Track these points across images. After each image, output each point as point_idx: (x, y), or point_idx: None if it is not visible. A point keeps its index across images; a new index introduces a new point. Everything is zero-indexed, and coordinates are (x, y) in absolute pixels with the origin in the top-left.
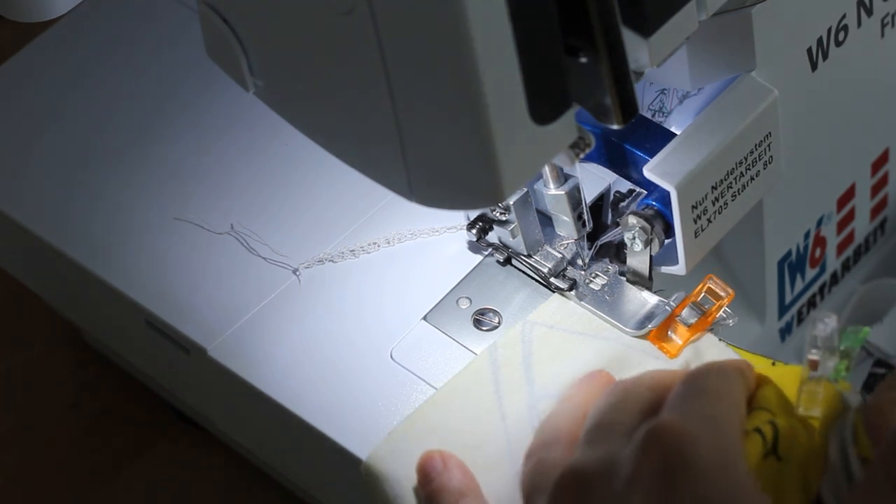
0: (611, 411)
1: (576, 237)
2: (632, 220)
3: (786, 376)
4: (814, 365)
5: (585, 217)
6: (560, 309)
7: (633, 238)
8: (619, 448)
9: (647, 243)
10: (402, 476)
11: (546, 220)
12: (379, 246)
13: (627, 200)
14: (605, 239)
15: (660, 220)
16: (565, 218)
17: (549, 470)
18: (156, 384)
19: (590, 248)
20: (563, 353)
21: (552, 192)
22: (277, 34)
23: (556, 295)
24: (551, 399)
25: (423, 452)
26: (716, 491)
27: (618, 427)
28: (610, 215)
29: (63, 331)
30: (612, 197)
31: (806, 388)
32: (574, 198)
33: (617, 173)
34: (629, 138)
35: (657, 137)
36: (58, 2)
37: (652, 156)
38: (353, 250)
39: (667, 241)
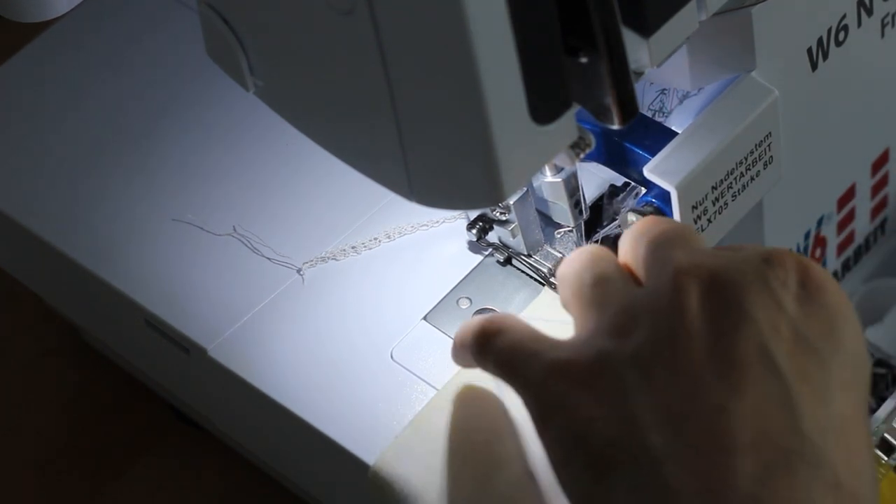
0: (675, 227)
1: (572, 225)
2: (631, 217)
3: None
4: (890, 449)
5: (583, 205)
6: (554, 302)
7: None
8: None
9: None
10: (412, 477)
11: (546, 219)
12: (380, 241)
13: (623, 195)
14: (602, 233)
15: None
16: (562, 205)
17: (606, 258)
18: (156, 384)
19: (587, 242)
20: None
21: (549, 180)
22: (277, 34)
23: (548, 288)
24: None
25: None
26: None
27: (686, 236)
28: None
29: (63, 331)
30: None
31: None
32: (570, 185)
33: (617, 172)
34: (629, 136)
35: (657, 135)
36: (58, 2)
37: (652, 154)
38: (354, 247)
39: None
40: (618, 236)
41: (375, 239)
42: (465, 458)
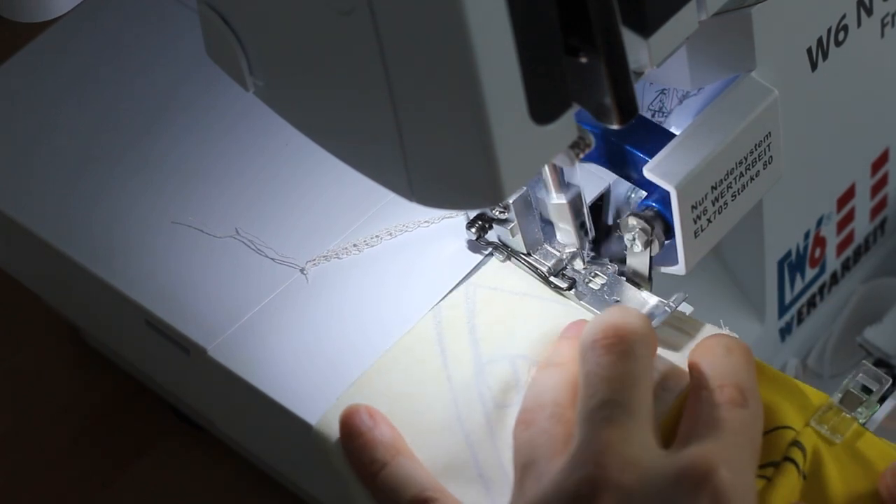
0: (619, 388)
1: (577, 247)
2: (632, 221)
3: (781, 386)
4: (856, 402)
5: (588, 226)
6: (501, 271)
7: (633, 239)
8: (634, 430)
9: (647, 244)
10: None
11: (546, 219)
12: (381, 239)
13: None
14: (607, 251)
15: (660, 221)
16: (567, 227)
17: (545, 441)
18: (156, 384)
19: (590, 254)
20: (507, 313)
21: (554, 202)
22: (277, 34)
23: (496, 258)
24: (498, 361)
25: (347, 406)
26: None
27: (626, 405)
28: (611, 217)
29: (63, 331)
30: (611, 199)
31: (832, 415)
32: (576, 206)
33: (617, 173)
34: (629, 139)
35: (657, 137)
36: (58, 2)
37: (651, 156)
38: (356, 244)
39: (667, 242)
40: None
41: (377, 237)
42: (403, 422)
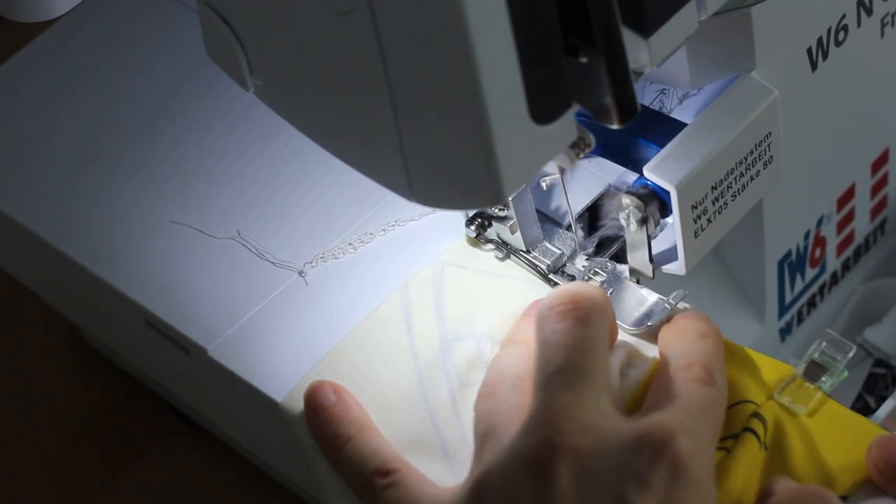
0: (576, 354)
1: (559, 173)
2: (625, 199)
3: (742, 359)
4: (820, 372)
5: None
6: (469, 249)
7: (628, 217)
8: (591, 396)
9: (643, 222)
10: None
11: (545, 216)
12: (375, 236)
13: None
14: (600, 234)
15: (655, 200)
16: (551, 171)
17: (505, 411)
18: (156, 384)
19: (588, 240)
20: (474, 292)
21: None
22: (277, 34)
23: (465, 239)
24: (463, 339)
25: (312, 382)
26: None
27: (583, 371)
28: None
29: (63, 331)
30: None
31: (795, 387)
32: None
33: (616, 162)
34: (633, 126)
35: (657, 123)
36: (58, 2)
37: (651, 140)
38: (351, 243)
39: (663, 221)
40: (617, 237)
41: (370, 234)
42: (369, 399)
